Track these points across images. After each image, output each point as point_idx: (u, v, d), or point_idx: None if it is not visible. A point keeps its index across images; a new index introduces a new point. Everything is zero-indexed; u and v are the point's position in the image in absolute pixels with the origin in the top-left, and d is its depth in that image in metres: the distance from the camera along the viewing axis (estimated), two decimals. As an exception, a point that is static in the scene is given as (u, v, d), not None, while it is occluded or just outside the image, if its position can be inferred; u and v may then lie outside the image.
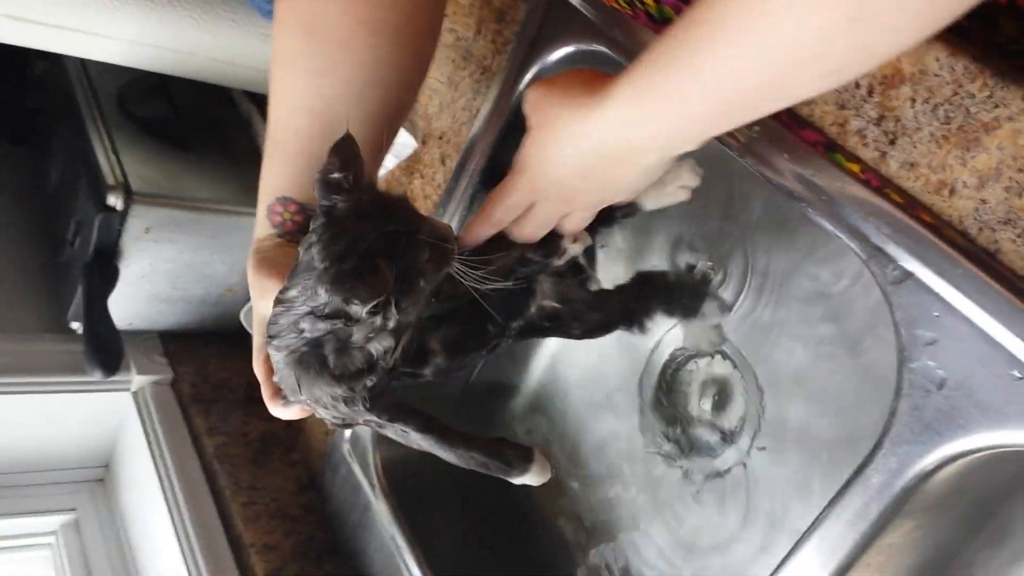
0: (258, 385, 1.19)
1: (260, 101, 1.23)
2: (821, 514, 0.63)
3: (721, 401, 0.89)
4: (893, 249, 0.60)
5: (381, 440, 1.02)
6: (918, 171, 0.60)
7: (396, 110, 0.70)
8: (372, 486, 1.00)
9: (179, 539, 1.03)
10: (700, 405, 0.91)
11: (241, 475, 1.09)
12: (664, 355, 0.95)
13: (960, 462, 0.58)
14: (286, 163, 0.67)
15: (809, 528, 0.64)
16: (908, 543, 0.65)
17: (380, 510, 0.99)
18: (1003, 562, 0.70)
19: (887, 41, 0.43)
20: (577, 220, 0.66)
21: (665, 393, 0.94)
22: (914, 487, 0.59)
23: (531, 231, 0.65)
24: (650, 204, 0.71)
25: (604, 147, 0.57)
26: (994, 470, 0.63)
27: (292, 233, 0.68)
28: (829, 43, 0.43)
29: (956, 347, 0.57)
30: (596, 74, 0.59)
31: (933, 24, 0.42)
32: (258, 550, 1.02)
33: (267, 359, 0.64)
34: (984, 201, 0.57)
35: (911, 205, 0.60)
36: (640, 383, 0.96)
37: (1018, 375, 0.54)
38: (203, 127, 1.20)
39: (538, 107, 0.61)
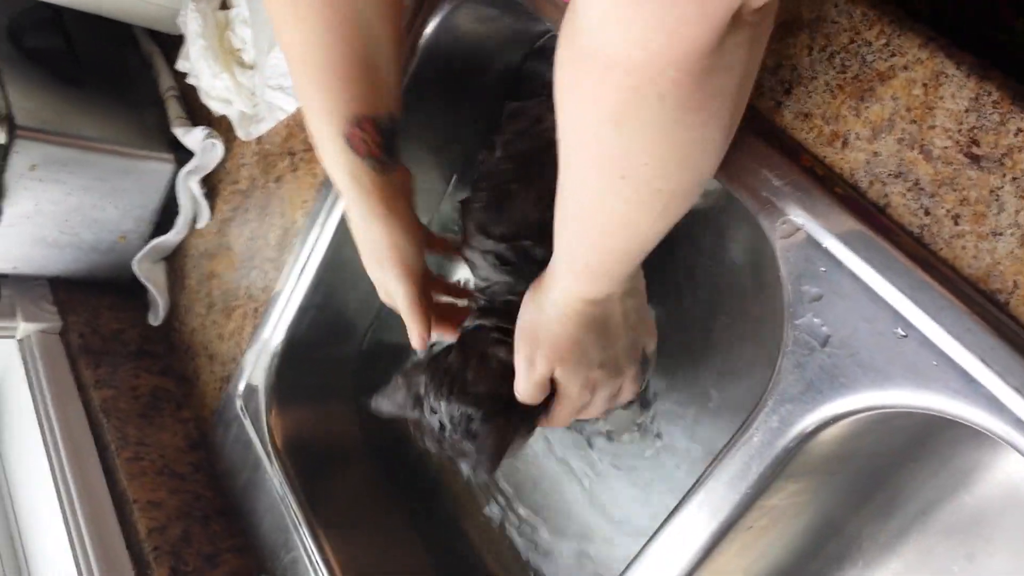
0: (151, 339, 1.15)
1: (162, 41, 1.17)
2: (703, 474, 0.62)
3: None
4: (782, 202, 0.58)
5: (275, 399, 0.98)
6: (812, 122, 0.58)
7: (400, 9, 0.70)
8: (264, 443, 0.97)
9: (59, 492, 0.98)
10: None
11: (128, 430, 1.04)
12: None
13: (843, 423, 0.57)
14: (337, 79, 0.65)
15: (692, 488, 0.62)
16: (792, 507, 0.64)
17: (271, 469, 0.95)
18: (891, 534, 0.69)
19: (673, 188, 0.50)
20: (629, 388, 0.69)
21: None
22: (796, 447, 0.58)
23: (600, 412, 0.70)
24: None
25: (592, 312, 0.61)
26: (881, 437, 0.62)
27: (378, 159, 0.67)
28: (642, 204, 0.50)
29: (841, 303, 0.55)
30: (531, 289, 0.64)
31: (702, 175, 0.52)
32: (142, 507, 0.98)
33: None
34: (876, 153, 0.55)
35: (802, 157, 0.58)
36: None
37: (901, 333, 0.53)
38: (100, 65, 1.13)
39: (539, 350, 0.63)
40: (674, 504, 0.63)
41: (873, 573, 0.69)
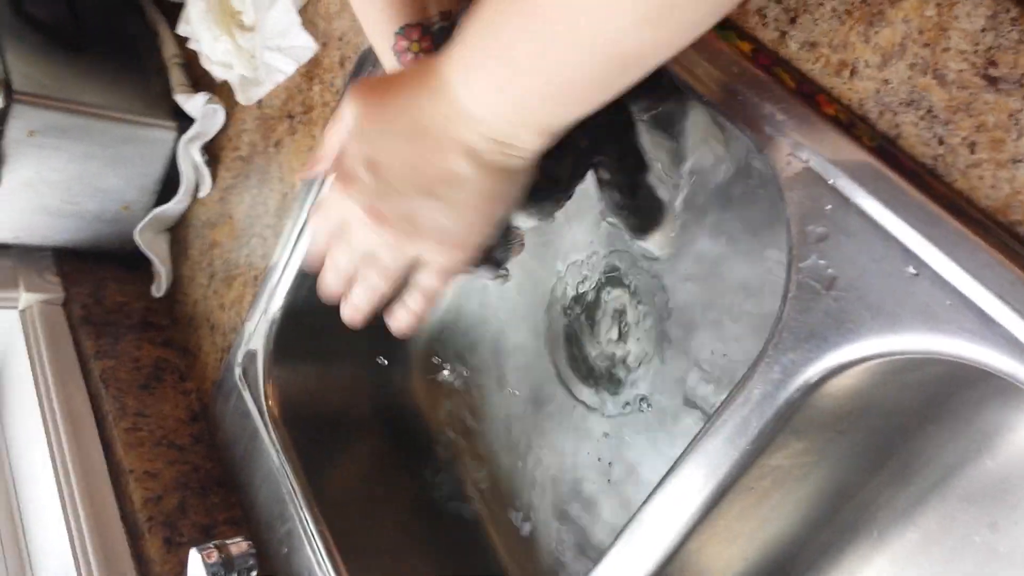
0: (155, 311, 1.13)
1: (167, 10, 1.15)
2: (701, 431, 0.58)
3: (625, 329, 0.83)
4: (787, 138, 0.54)
5: (273, 367, 0.96)
6: (818, 51, 0.54)
7: None
8: (261, 412, 0.94)
9: (55, 462, 0.96)
10: (606, 335, 0.85)
11: (127, 400, 1.02)
12: (569, 288, 0.88)
13: (851, 373, 0.53)
14: None
15: (688, 446, 0.58)
16: (797, 468, 0.60)
17: (268, 438, 0.93)
18: (908, 501, 0.65)
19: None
20: (437, 268, 0.52)
21: (573, 326, 0.88)
22: (799, 400, 0.54)
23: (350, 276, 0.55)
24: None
25: (443, 121, 0.47)
26: (894, 393, 0.58)
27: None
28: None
29: (848, 243, 0.52)
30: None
31: None
32: (137, 477, 0.96)
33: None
34: (887, 82, 0.51)
35: (807, 89, 0.54)
36: (547, 315, 0.91)
37: (913, 272, 0.49)
38: (104, 32, 1.11)
39: (363, 97, 0.49)
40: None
41: (889, 543, 0.65)
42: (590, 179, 0.63)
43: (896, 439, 0.64)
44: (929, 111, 0.49)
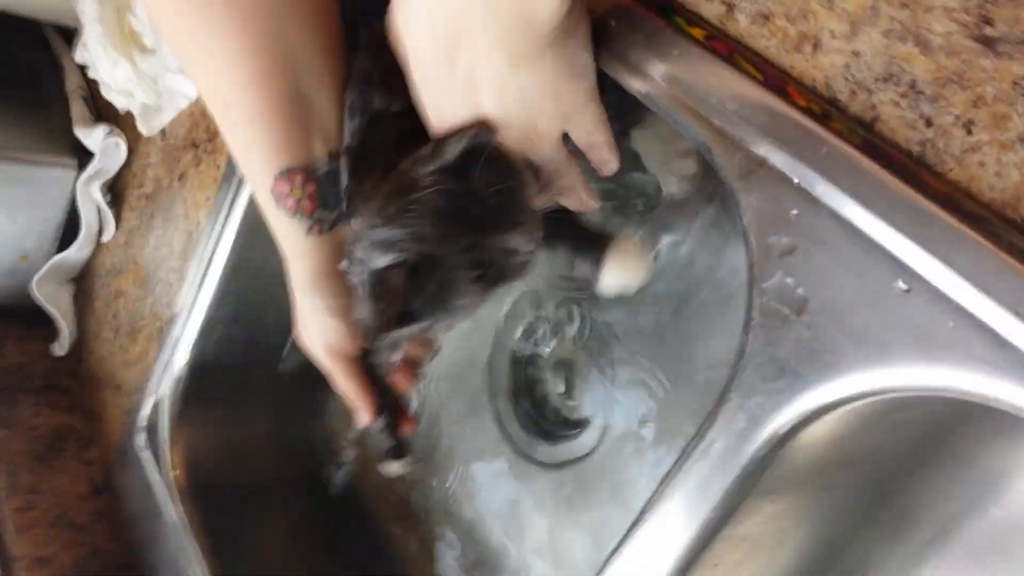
0: (59, 372, 1.01)
1: (69, 36, 1.05)
2: (652, 497, 0.47)
3: (571, 383, 0.73)
4: (740, 131, 0.44)
5: (179, 432, 0.84)
6: (773, 24, 0.44)
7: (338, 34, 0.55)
8: (167, 484, 0.82)
9: (-68, 552, 0.84)
10: (553, 390, 0.75)
11: (21, 475, 0.90)
12: (515, 343, 0.78)
13: (832, 417, 0.42)
14: (264, 131, 0.52)
15: (638, 517, 0.47)
16: (772, 535, 0.49)
17: (173, 514, 0.80)
18: (905, 558, 0.55)
19: None
20: (588, 122, 0.48)
21: (517, 381, 0.77)
22: (770, 454, 0.43)
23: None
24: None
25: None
26: (884, 436, 0.48)
27: (315, 214, 0.54)
28: None
29: (820, 255, 0.41)
30: None
31: None
32: (29, 563, 0.83)
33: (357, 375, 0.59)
34: (857, 54, 0.41)
35: (763, 71, 0.44)
36: (489, 370, 0.80)
37: (903, 287, 0.39)
38: (3, 65, 1.01)
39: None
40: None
41: (885, 614, 0.54)
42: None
43: (887, 488, 0.54)
44: (912, 86, 0.39)
